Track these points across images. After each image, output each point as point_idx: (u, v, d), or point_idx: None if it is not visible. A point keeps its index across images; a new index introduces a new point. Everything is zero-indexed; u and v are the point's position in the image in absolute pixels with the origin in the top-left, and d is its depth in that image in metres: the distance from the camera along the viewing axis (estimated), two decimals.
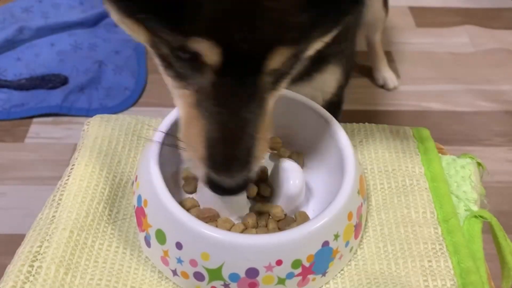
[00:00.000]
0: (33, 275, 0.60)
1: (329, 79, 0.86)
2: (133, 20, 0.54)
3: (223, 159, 0.57)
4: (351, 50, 0.90)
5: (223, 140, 0.56)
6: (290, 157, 0.74)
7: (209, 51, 0.50)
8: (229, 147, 0.56)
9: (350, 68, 0.94)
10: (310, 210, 0.71)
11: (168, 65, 0.57)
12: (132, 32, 0.57)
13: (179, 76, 0.57)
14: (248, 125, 0.55)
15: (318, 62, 0.81)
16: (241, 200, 0.68)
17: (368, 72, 1.70)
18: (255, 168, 0.59)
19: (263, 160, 0.61)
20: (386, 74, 1.68)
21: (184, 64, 0.54)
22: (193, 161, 0.59)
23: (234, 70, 0.52)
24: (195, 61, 0.52)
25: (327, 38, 0.58)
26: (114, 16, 0.57)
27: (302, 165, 0.74)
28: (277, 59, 0.51)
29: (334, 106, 0.73)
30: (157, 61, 0.59)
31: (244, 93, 0.54)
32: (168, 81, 0.59)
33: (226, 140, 0.56)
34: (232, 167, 0.57)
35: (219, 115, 0.55)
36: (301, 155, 0.76)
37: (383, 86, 1.67)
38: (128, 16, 0.54)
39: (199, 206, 0.68)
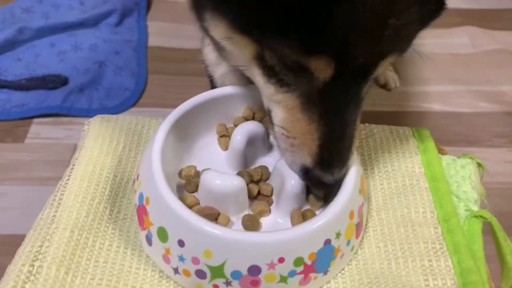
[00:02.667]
0: (34, 275, 0.60)
1: None
2: (246, 36, 0.59)
3: (331, 158, 0.62)
4: None
5: (332, 142, 0.61)
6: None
7: (323, 66, 0.56)
8: (336, 148, 0.62)
9: None
10: (311, 209, 0.71)
11: (271, 74, 0.62)
12: (237, 47, 0.63)
13: (282, 83, 0.62)
14: (350, 126, 0.61)
15: None
16: (242, 200, 0.68)
17: None
18: (351, 164, 0.65)
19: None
20: (388, 73, 1.68)
21: (290, 73, 0.60)
22: (297, 156, 0.64)
23: (344, 79, 0.57)
24: (304, 71, 0.57)
25: None
26: (218, 31, 0.63)
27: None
28: (383, 67, 0.58)
29: None
30: (255, 71, 0.65)
31: (348, 97, 0.59)
32: (268, 88, 0.64)
33: (334, 142, 0.61)
34: (337, 165, 0.63)
35: (328, 117, 0.60)
36: None
37: (384, 86, 1.67)
38: (241, 33, 0.60)
39: (199, 203, 0.68)
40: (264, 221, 0.69)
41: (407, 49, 0.59)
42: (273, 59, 0.61)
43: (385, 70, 1.68)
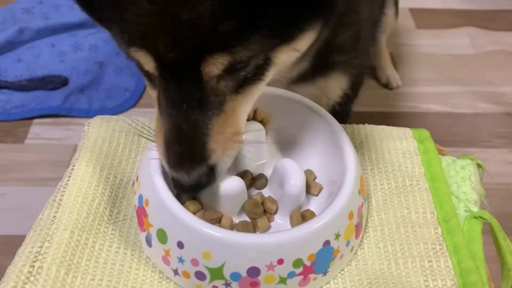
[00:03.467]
0: (34, 276, 0.60)
1: (333, 86, 0.88)
2: (103, 26, 0.60)
3: (175, 156, 0.60)
4: (361, 62, 0.91)
5: (175, 139, 0.59)
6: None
7: (143, 59, 0.56)
8: (180, 145, 0.59)
9: (359, 81, 0.94)
10: (311, 210, 0.71)
11: (138, 67, 0.61)
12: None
13: (147, 78, 0.62)
14: (200, 125, 0.58)
15: (323, 68, 0.83)
16: (242, 201, 0.68)
17: (368, 73, 1.70)
18: (215, 163, 0.61)
19: (230, 154, 0.62)
20: (389, 73, 1.69)
21: (141, 69, 0.59)
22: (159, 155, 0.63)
23: (173, 76, 0.56)
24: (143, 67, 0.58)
25: (300, 45, 0.60)
26: None
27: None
28: (212, 67, 0.54)
29: (339, 118, 0.75)
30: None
31: (192, 96, 0.57)
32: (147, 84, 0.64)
33: (178, 139, 0.59)
34: (185, 164, 0.60)
35: (171, 116, 0.58)
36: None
37: (386, 85, 1.67)
38: (97, 21, 0.61)
39: (202, 207, 0.67)
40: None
41: (241, 48, 0.54)
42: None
43: (388, 69, 1.69)
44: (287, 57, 0.61)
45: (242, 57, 0.55)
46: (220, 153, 0.61)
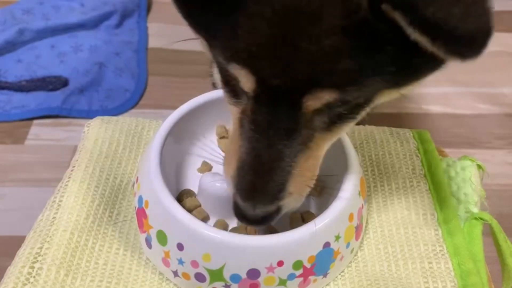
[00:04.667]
0: (34, 277, 0.60)
1: None
2: (198, 35, 0.55)
3: (249, 186, 0.55)
4: None
5: (253, 167, 0.54)
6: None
7: (245, 78, 0.51)
8: (257, 176, 0.54)
9: None
10: (311, 211, 0.71)
11: (224, 79, 0.57)
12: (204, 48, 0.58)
13: (231, 92, 0.57)
14: (283, 159, 0.53)
15: None
16: None
17: None
18: (284, 204, 0.57)
19: (300, 199, 0.58)
20: None
21: (233, 83, 0.54)
22: (226, 177, 0.58)
23: (270, 101, 0.51)
24: (238, 84, 0.53)
25: (408, 90, 0.56)
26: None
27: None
28: (316, 101, 0.50)
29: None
30: (216, 75, 0.61)
31: (283, 126, 0.52)
32: (224, 95, 0.59)
33: (256, 168, 0.54)
34: (256, 197, 0.55)
35: (254, 140, 0.53)
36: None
37: None
38: (194, 31, 0.55)
39: (200, 206, 0.68)
40: None
41: (352, 88, 0.49)
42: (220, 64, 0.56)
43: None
44: (388, 98, 0.57)
45: (350, 97, 0.51)
46: (295, 198, 0.57)
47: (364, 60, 0.48)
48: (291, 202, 0.57)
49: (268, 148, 0.53)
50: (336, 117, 0.54)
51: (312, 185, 0.59)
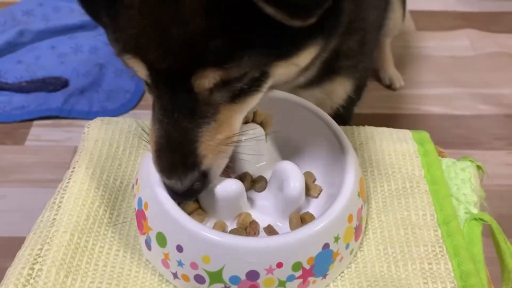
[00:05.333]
0: (34, 278, 0.60)
1: (338, 89, 0.88)
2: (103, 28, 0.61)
3: (167, 164, 0.60)
4: (365, 65, 0.91)
5: (167, 147, 0.59)
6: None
7: (137, 67, 0.56)
8: (170, 152, 0.59)
9: (363, 84, 0.95)
10: (310, 212, 0.71)
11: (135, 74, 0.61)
12: None
13: (144, 82, 0.61)
14: (190, 133, 0.58)
15: (329, 72, 0.82)
16: (242, 203, 0.68)
17: (370, 75, 1.70)
18: (206, 166, 0.60)
19: (221, 156, 0.62)
20: (392, 74, 1.69)
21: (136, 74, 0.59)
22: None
23: (165, 85, 0.56)
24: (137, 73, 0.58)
25: (299, 61, 0.59)
26: None
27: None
28: (203, 80, 0.54)
29: (342, 120, 0.75)
30: None
31: (183, 105, 0.57)
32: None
33: (168, 146, 0.59)
34: (176, 170, 0.59)
35: (162, 123, 0.58)
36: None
37: (389, 86, 1.67)
38: (98, 23, 0.61)
39: (199, 207, 0.68)
40: (263, 224, 0.69)
41: (234, 65, 0.53)
42: None
43: (391, 70, 1.69)
44: (286, 71, 0.60)
45: (235, 73, 0.54)
46: (212, 158, 0.61)
47: (233, 37, 0.52)
48: (211, 162, 0.61)
49: (176, 127, 0.58)
50: (237, 91, 0.58)
51: (232, 143, 0.62)
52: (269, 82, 0.60)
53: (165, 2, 0.51)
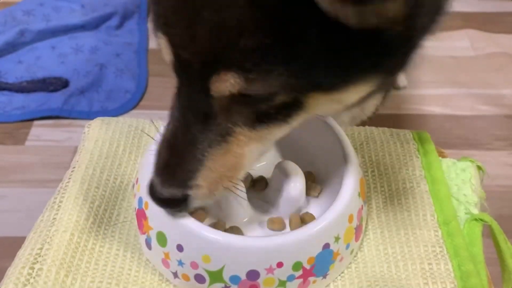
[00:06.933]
0: (34, 278, 0.60)
1: (371, 103, 0.89)
2: None
3: (162, 163, 0.55)
4: (394, 78, 0.88)
5: (170, 146, 0.55)
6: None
7: (164, 48, 0.50)
8: (171, 155, 0.54)
9: (388, 92, 0.96)
10: (310, 212, 0.71)
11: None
12: None
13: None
14: (197, 144, 0.52)
15: None
16: (243, 204, 0.68)
17: None
18: (192, 195, 0.55)
19: (208, 197, 0.57)
20: None
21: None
22: None
23: (187, 79, 0.50)
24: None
25: (343, 98, 0.51)
26: None
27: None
28: (222, 84, 0.47)
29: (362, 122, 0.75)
30: None
31: (198, 108, 0.51)
32: None
33: (172, 147, 0.54)
34: (166, 175, 0.55)
35: (175, 119, 0.53)
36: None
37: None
38: None
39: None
40: (263, 224, 0.69)
41: (255, 77, 0.45)
42: None
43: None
44: (326, 107, 0.52)
45: (259, 88, 0.47)
46: (203, 192, 0.55)
47: (269, 41, 0.43)
48: (198, 196, 0.55)
49: (185, 130, 0.52)
50: (262, 115, 0.51)
51: (230, 187, 0.56)
52: (302, 115, 0.52)
53: None
